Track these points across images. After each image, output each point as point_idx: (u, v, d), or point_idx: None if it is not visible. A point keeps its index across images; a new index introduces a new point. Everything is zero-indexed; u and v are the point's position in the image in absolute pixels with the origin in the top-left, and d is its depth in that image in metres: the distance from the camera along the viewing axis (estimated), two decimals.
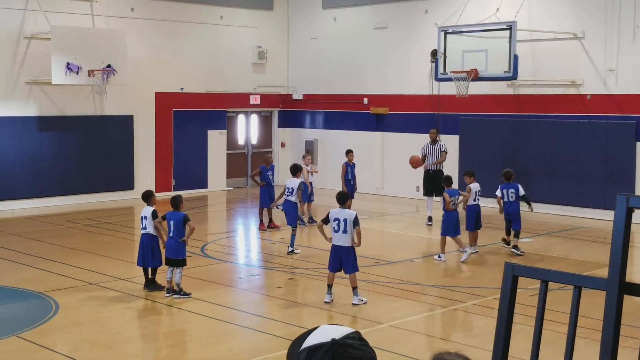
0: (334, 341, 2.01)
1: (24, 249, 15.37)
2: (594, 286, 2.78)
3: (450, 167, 20.80)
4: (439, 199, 17.34)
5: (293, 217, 15.55)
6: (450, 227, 14.48)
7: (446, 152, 18.66)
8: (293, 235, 15.28)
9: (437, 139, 18.77)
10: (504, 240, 15.63)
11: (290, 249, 15.15)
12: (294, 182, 15.82)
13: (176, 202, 11.98)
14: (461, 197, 14.91)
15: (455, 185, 19.63)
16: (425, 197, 18.83)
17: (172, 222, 11.75)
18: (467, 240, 15.39)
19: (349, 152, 18.94)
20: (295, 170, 16.25)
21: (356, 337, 2.05)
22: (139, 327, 10.99)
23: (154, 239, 12.04)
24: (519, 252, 14.90)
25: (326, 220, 11.43)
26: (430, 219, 18.44)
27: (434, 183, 18.04)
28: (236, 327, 10.57)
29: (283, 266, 14.24)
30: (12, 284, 12.61)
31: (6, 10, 20.09)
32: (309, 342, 2.07)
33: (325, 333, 2.05)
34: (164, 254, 11.93)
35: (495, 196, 15.48)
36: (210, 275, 13.33)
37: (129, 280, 12.75)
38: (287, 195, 15.75)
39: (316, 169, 20.11)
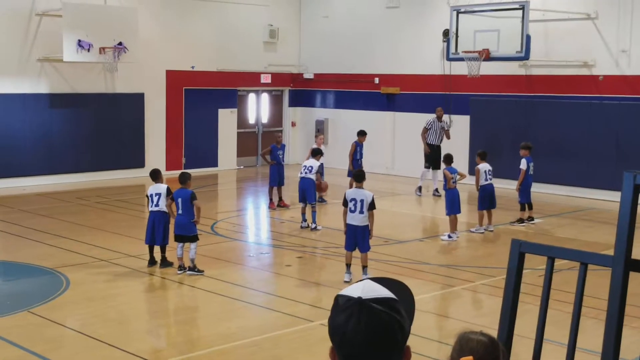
0: (360, 300, 2.05)
1: (34, 225, 15.46)
2: (599, 262, 2.79)
3: (461, 147, 20.84)
4: (435, 172, 19.81)
5: (312, 194, 15.56)
6: (455, 205, 14.52)
7: (447, 130, 20.23)
8: (314, 212, 15.40)
9: (443, 117, 20.24)
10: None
11: (313, 225, 15.31)
12: (314, 162, 15.77)
13: (184, 178, 12.04)
14: (459, 176, 14.91)
15: (465, 164, 19.69)
16: (423, 169, 20.21)
17: (180, 200, 11.81)
18: (476, 220, 15.43)
19: (363, 134, 19.00)
20: (316, 153, 16.17)
21: (389, 303, 2.07)
22: (149, 303, 11.07)
23: (167, 217, 12.09)
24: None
25: (345, 203, 11.40)
26: (420, 189, 20.01)
27: (433, 158, 19.90)
28: (245, 305, 10.62)
29: (292, 245, 14.28)
30: (24, 259, 12.71)
31: None
32: (347, 290, 2.11)
33: (361, 289, 2.09)
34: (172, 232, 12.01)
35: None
36: (220, 253, 13.39)
37: (139, 257, 12.81)
38: (306, 173, 15.68)
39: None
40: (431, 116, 20.36)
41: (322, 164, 16.12)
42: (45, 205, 17.90)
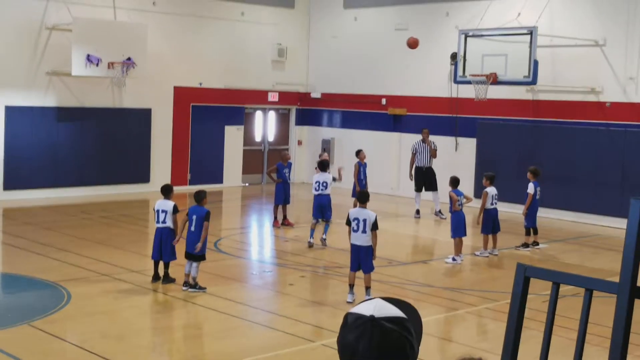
0: (372, 318, 2.04)
1: (38, 238, 15.45)
2: (604, 289, 2.76)
3: (468, 170, 20.82)
4: (428, 194, 19.88)
5: (331, 211, 15.77)
6: (460, 228, 14.46)
7: (434, 150, 19.94)
8: (327, 225, 15.51)
9: (429, 138, 20.05)
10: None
11: (324, 236, 15.44)
12: (327, 177, 15.78)
13: (199, 196, 12.01)
14: (465, 199, 14.86)
15: (471, 187, 19.65)
16: (414, 192, 20.08)
17: (194, 217, 11.78)
18: (481, 243, 15.37)
19: (360, 152, 19.07)
20: (325, 166, 16.17)
21: (400, 323, 2.06)
22: (150, 319, 11.03)
23: (173, 233, 12.06)
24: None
25: (349, 222, 11.38)
26: (418, 212, 19.88)
27: (425, 180, 19.84)
28: (247, 323, 10.57)
29: (296, 263, 14.24)
30: (26, 272, 12.68)
31: (29, 1, 20.19)
32: (357, 308, 2.11)
33: (373, 308, 2.08)
34: (177, 249, 11.99)
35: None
36: (223, 271, 13.35)
37: (141, 273, 12.78)
38: (322, 190, 15.69)
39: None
40: (416, 139, 20.37)
41: (334, 177, 16.13)
42: (49, 219, 17.89)
